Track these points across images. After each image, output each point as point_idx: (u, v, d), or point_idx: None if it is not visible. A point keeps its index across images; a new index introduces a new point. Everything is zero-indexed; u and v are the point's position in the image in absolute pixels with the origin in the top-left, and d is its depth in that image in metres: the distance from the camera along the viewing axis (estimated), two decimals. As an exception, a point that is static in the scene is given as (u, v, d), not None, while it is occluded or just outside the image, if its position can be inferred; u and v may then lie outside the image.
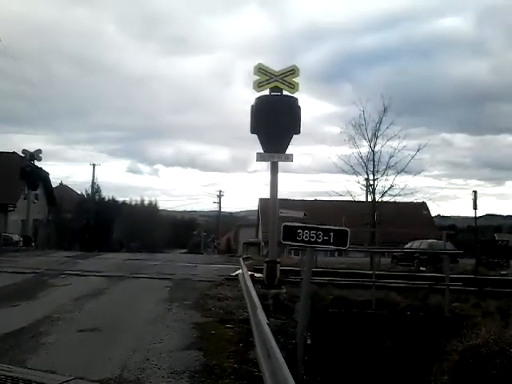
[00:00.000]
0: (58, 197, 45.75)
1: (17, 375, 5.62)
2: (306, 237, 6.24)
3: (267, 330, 5.08)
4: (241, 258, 18.58)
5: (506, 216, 72.81)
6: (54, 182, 47.72)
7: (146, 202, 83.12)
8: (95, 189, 51.12)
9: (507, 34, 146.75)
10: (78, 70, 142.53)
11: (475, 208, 23.01)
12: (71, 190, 57.55)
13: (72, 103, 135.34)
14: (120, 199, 65.26)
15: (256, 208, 56.87)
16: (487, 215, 62.49)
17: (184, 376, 5.78)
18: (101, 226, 45.53)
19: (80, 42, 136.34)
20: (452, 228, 45.44)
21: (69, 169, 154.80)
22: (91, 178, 50.64)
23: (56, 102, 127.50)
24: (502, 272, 18.79)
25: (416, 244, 26.61)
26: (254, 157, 11.37)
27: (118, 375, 5.73)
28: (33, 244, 33.58)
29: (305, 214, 26.05)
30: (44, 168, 34.95)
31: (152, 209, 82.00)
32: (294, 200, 42.79)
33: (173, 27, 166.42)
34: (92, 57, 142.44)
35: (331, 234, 6.14)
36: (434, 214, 50.47)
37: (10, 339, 7.29)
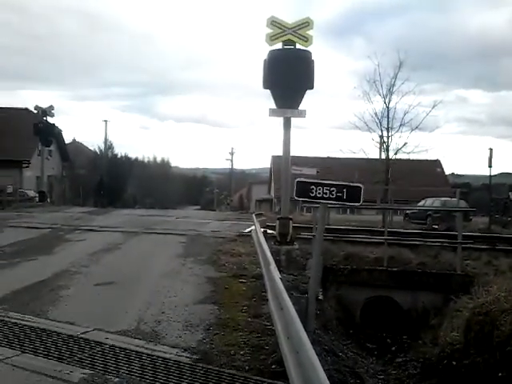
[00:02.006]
0: (71, 153, 45.96)
1: (38, 325, 5.83)
2: (319, 193, 6.20)
3: (280, 284, 5.14)
4: (253, 215, 18.68)
5: (522, 174, 71.78)
6: (67, 139, 47.88)
7: (159, 159, 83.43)
8: (108, 145, 51.26)
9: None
10: (86, 27, 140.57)
11: (490, 166, 22.73)
12: (84, 146, 57.72)
13: (81, 59, 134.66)
14: (132, 156, 65.58)
15: (268, 165, 56.78)
16: (502, 173, 61.71)
17: (199, 329, 5.93)
18: (114, 182, 45.88)
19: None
20: (466, 186, 44.92)
21: (81, 125, 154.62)
22: (104, 135, 50.70)
23: (65, 58, 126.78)
24: (515, 230, 18.72)
25: (429, 202, 26.49)
26: (266, 112, 11.24)
27: (134, 327, 5.91)
28: (48, 200, 34.01)
29: (317, 171, 26.02)
30: (56, 124, 34.87)
31: (164, 166, 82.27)
32: (306, 157, 42.60)
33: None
34: (100, 13, 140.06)
35: (344, 190, 6.08)
36: (447, 171, 50.13)
37: (30, 292, 7.52)
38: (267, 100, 11.32)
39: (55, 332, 5.60)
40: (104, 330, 5.74)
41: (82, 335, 5.50)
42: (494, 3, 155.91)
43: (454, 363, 7.56)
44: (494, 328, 7.08)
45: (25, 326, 5.78)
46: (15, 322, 5.90)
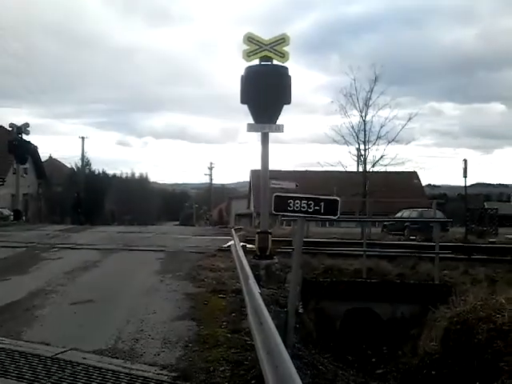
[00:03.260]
0: (47, 170, 45.33)
1: (11, 347, 5.68)
2: (297, 207, 6.26)
3: (259, 299, 5.13)
4: (233, 229, 18.64)
5: (496, 184, 73.40)
6: (43, 156, 47.18)
7: (137, 175, 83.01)
8: (85, 162, 50.79)
9: (494, 0, 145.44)
10: (63, 44, 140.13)
11: (465, 176, 23.13)
12: (61, 163, 56.97)
13: (58, 77, 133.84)
14: (110, 172, 65.11)
15: (247, 179, 56.91)
16: (477, 184, 63.04)
17: (178, 346, 5.86)
18: (92, 199, 45.33)
19: (62, 15, 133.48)
20: (442, 197, 45.79)
21: (57, 142, 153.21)
22: (81, 152, 50.22)
23: (41, 75, 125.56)
24: (491, 240, 19.04)
25: (406, 213, 26.86)
26: (244, 128, 11.32)
27: (112, 345, 5.81)
28: (23, 218, 33.40)
29: (296, 185, 26.11)
30: (32, 142, 34.40)
31: (143, 181, 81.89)
32: (285, 171, 42.78)
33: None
34: (76, 31, 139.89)
35: (322, 203, 6.15)
36: (424, 183, 50.93)
37: (5, 312, 7.34)
38: (245, 115, 11.42)
39: (29, 353, 5.47)
40: (80, 349, 5.62)
41: (58, 355, 5.38)
42: (464, 19, 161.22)
43: (434, 373, 7.63)
44: (472, 336, 7.18)
45: (-2, 347, 5.63)
46: (-12, 344, 5.74)
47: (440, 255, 12.36)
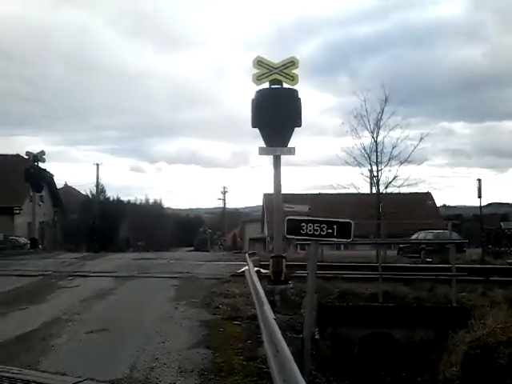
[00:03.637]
0: (62, 198, 45.90)
1: (28, 378, 5.69)
2: (309, 230, 6.25)
3: (274, 325, 5.11)
4: (246, 254, 18.59)
5: (512, 204, 72.42)
6: (59, 184, 47.88)
7: (151, 201, 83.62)
8: (100, 189, 51.31)
9: (500, 18, 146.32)
10: (74, 70, 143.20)
11: (480, 196, 22.92)
12: (76, 190, 57.66)
13: (70, 103, 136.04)
14: (125, 198, 65.74)
15: (261, 203, 56.89)
16: (493, 203, 62.28)
17: (193, 374, 5.82)
18: (107, 225, 45.68)
19: (75, 42, 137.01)
20: (457, 217, 45.25)
21: (72, 169, 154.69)
22: (95, 178, 50.74)
23: (54, 102, 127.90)
24: (509, 261, 18.73)
25: (422, 235, 26.55)
26: (256, 151, 11.39)
27: (127, 375, 5.79)
28: (40, 246, 33.71)
29: (309, 208, 26.08)
30: (48, 169, 34.98)
31: (157, 207, 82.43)
32: (298, 194, 42.76)
33: (164, 25, 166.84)
34: (87, 56, 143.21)
35: (335, 226, 6.14)
36: (439, 203, 50.47)
37: (21, 342, 7.37)
38: (257, 139, 11.52)
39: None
40: (96, 379, 5.61)
41: (74, 386, 5.38)
42: (470, 38, 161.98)
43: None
44: (493, 361, 7.03)
45: (13, 378, 5.64)
46: (3, 376, 5.74)
47: (457, 277, 12.17)
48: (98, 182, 50.78)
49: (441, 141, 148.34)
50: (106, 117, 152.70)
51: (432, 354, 10.06)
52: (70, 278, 14.90)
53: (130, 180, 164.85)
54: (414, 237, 26.69)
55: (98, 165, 50.43)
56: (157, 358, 6.44)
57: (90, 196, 51.94)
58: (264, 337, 6.13)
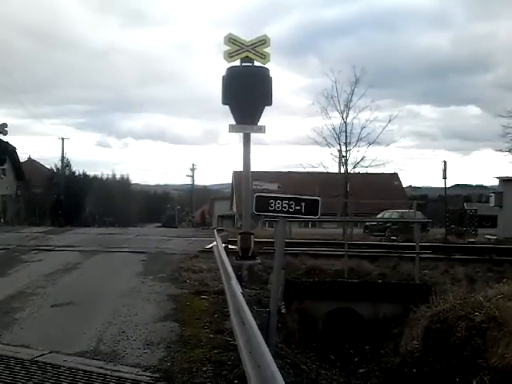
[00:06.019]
0: (26, 171, 44.62)
1: (-10, 350, 5.59)
2: (278, 207, 6.25)
3: (241, 299, 5.14)
4: (215, 230, 18.59)
5: (475, 186, 74.42)
6: (22, 157, 46.43)
7: (118, 177, 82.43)
8: (65, 163, 50.08)
9: (467, 6, 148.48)
10: (39, 44, 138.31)
11: (445, 178, 23.44)
12: (40, 164, 56.13)
13: (34, 77, 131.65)
14: (91, 173, 64.38)
15: (230, 181, 56.80)
16: (457, 185, 63.90)
17: (160, 347, 5.84)
18: (72, 201, 44.78)
19: (39, 15, 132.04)
20: (423, 198, 46.26)
21: (36, 143, 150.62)
22: (60, 153, 49.49)
23: (17, 75, 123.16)
24: (470, 240, 19.34)
25: (387, 214, 27.14)
26: (225, 129, 11.32)
27: (93, 348, 5.76)
28: (2, 220, 32.88)
29: (279, 186, 26.09)
30: (10, 142, 33.92)
31: (124, 183, 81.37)
32: (267, 172, 42.81)
33: (132, 0, 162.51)
34: (52, 31, 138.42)
35: (303, 203, 6.16)
36: (405, 184, 51.43)
37: (-18, 315, 7.22)
38: (226, 116, 11.42)
39: (9, 356, 5.39)
40: (61, 351, 5.57)
41: (38, 358, 5.32)
42: (439, 24, 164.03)
43: (415, 371, 7.71)
44: (451, 334, 7.28)
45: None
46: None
47: (420, 255, 12.50)
48: (63, 156, 49.55)
49: (408, 123, 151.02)
50: (71, 91, 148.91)
51: (394, 328, 10.34)
52: (34, 252, 14.60)
53: (96, 155, 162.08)
54: (379, 216, 27.23)
55: (63, 139, 49.11)
56: (123, 332, 6.42)
57: (54, 170, 50.69)
58: (231, 310, 6.17)
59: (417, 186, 65.86)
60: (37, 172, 49.83)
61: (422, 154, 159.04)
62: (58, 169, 49.98)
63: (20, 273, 11.06)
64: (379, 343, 10.23)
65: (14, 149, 38.26)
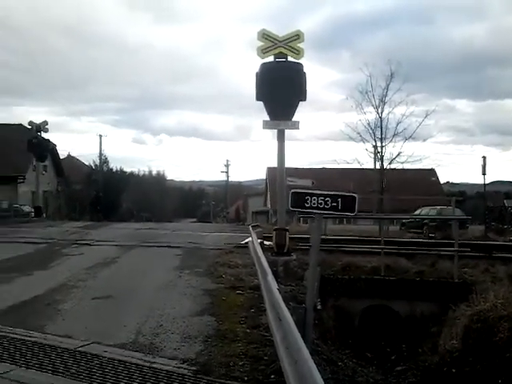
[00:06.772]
0: (65, 168, 45.90)
1: (35, 339, 5.79)
2: (314, 203, 6.22)
3: (277, 295, 5.14)
4: (250, 226, 18.66)
5: (516, 182, 72.02)
6: (61, 154, 47.78)
7: (154, 173, 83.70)
8: (103, 160, 51.25)
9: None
10: (75, 43, 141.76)
11: (484, 174, 22.86)
12: (79, 161, 57.62)
13: (70, 75, 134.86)
14: (127, 170, 65.65)
15: (264, 177, 56.84)
16: (496, 181, 62.08)
17: (197, 340, 5.91)
18: (110, 196, 45.85)
19: (74, 15, 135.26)
20: (461, 194, 45.20)
21: (75, 140, 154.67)
22: (98, 149, 50.66)
23: (55, 74, 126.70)
24: (511, 238, 18.78)
25: (425, 211, 26.57)
26: (258, 125, 11.33)
27: (132, 340, 5.88)
28: (44, 215, 33.92)
29: (313, 183, 26.05)
30: (51, 140, 34.87)
31: (160, 179, 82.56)
32: (301, 168, 42.67)
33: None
34: (87, 29, 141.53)
35: (339, 199, 6.10)
36: (442, 180, 50.39)
37: (28, 307, 7.48)
38: (260, 112, 11.43)
39: (52, 346, 5.56)
40: (102, 343, 5.71)
41: (80, 348, 5.47)
42: (475, 16, 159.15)
43: (454, 371, 7.56)
44: (492, 335, 7.10)
45: (22, 340, 5.74)
46: (11, 337, 5.85)
47: (459, 253, 12.22)
48: (101, 153, 50.76)
49: (443, 118, 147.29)
50: (106, 88, 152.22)
51: (432, 327, 10.15)
52: (74, 246, 15.03)
53: (131, 152, 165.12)
54: (416, 212, 26.71)
55: (100, 136, 50.40)
56: (161, 325, 6.53)
57: (93, 167, 51.91)
58: (267, 306, 6.18)
59: (454, 182, 64.45)
60: (76, 168, 51.23)
61: (459, 150, 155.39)
62: (96, 165, 51.22)
63: (61, 266, 11.39)
64: (416, 342, 10.06)
65: (54, 146, 39.35)
